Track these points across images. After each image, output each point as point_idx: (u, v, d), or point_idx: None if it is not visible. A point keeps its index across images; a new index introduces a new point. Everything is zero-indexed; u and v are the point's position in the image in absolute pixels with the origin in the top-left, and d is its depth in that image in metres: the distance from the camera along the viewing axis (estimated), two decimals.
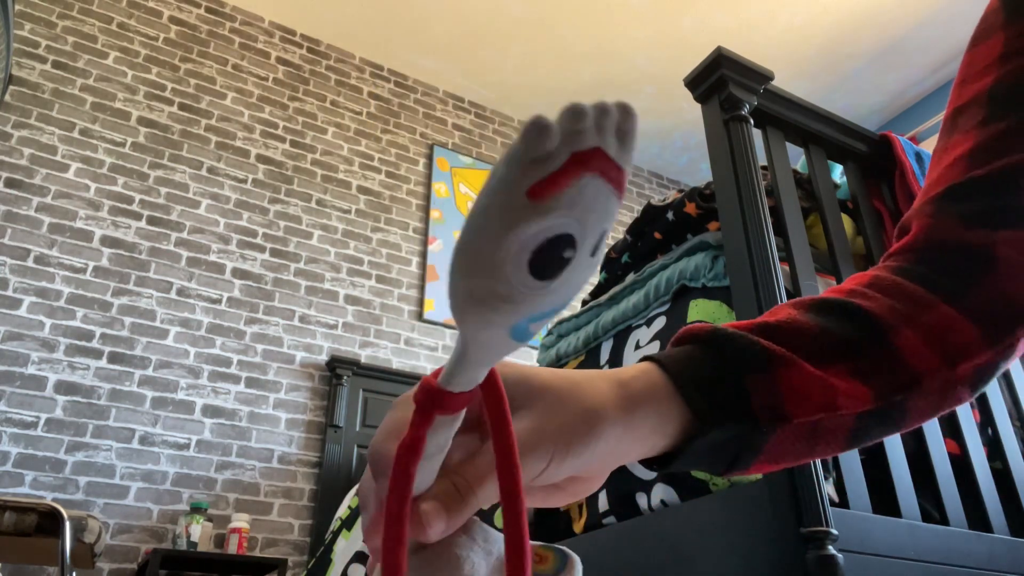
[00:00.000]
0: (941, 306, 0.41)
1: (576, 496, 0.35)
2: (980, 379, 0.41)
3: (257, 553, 2.85)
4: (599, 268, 1.68)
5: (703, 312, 1.19)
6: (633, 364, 0.37)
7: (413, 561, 0.28)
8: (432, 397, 0.26)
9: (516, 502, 0.25)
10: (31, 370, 2.69)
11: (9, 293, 2.75)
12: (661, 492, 1.13)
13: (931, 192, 0.46)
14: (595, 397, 0.33)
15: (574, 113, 0.19)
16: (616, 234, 4.69)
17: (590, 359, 1.50)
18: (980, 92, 0.48)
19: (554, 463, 0.30)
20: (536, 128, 0.19)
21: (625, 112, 0.20)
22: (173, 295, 3.07)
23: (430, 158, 4.11)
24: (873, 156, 1.43)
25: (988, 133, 0.46)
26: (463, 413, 0.27)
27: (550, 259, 0.20)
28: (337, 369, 3.23)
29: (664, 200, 1.42)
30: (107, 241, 3.02)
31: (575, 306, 4.21)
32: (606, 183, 0.20)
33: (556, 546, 0.33)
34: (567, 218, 0.20)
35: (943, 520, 1.04)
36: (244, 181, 3.45)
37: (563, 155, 0.19)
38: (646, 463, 0.38)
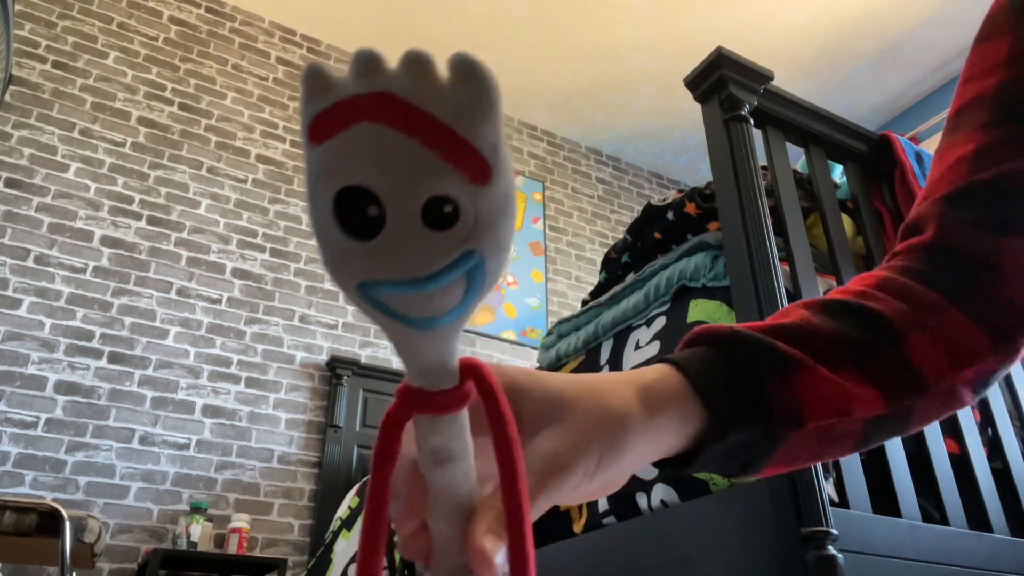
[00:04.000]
0: (950, 310, 0.41)
1: (596, 497, 0.35)
2: (983, 383, 0.42)
3: (257, 553, 2.85)
4: (601, 267, 1.67)
5: (703, 312, 1.19)
6: (650, 366, 0.37)
7: None
8: (404, 393, 0.25)
9: (520, 517, 0.25)
10: (31, 370, 2.69)
11: (9, 293, 2.75)
12: (661, 492, 1.13)
13: (935, 193, 0.46)
14: (621, 404, 0.32)
15: (358, 56, 0.18)
16: (616, 234, 4.69)
17: (590, 359, 1.50)
18: (984, 93, 0.48)
19: (588, 476, 0.30)
20: (311, 69, 0.18)
21: (464, 66, 0.18)
22: (173, 295, 3.07)
23: None
24: (873, 156, 1.43)
25: (992, 137, 0.45)
26: (460, 417, 0.26)
27: (355, 214, 0.19)
28: (337, 369, 3.23)
29: (664, 200, 1.42)
30: (107, 241, 3.02)
31: (575, 306, 4.21)
32: (401, 133, 0.18)
33: None
34: (354, 167, 0.19)
35: (943, 520, 1.04)
36: (244, 181, 3.45)
37: (336, 97, 0.18)
38: (658, 463, 0.38)
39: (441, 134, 0.19)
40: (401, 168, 0.19)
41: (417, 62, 0.18)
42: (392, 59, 0.19)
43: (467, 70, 0.19)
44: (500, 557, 0.25)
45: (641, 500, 1.18)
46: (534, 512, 0.28)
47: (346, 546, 2.42)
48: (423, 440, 0.26)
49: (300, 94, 0.19)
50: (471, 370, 0.25)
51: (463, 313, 0.22)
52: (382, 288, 0.20)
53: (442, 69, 0.19)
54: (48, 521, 1.55)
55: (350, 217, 0.19)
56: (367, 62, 0.18)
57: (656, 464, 0.37)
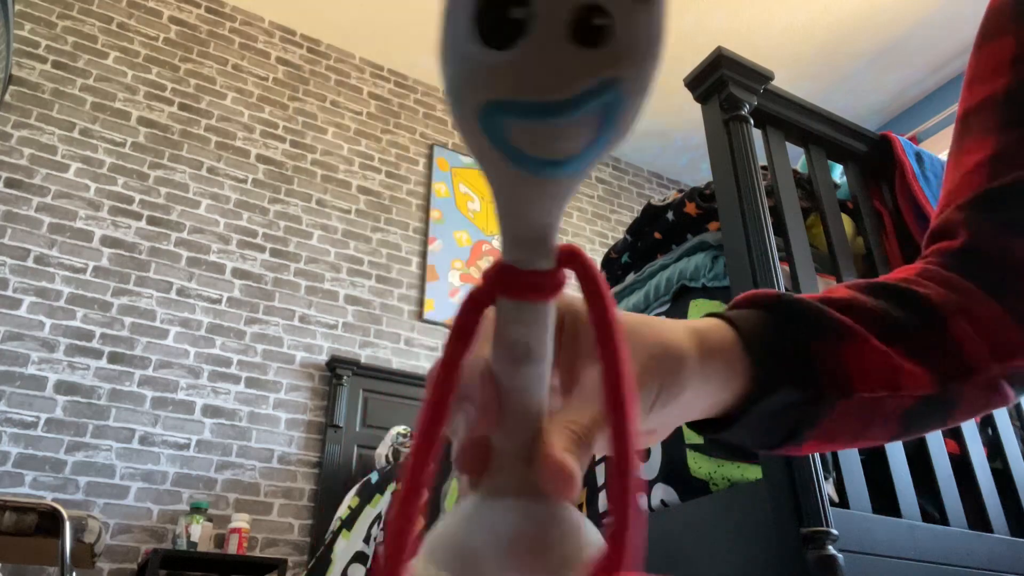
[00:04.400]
0: (991, 302, 0.41)
1: (648, 442, 0.33)
2: (1020, 381, 0.42)
3: (257, 553, 2.85)
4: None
5: (703, 312, 1.19)
6: (701, 319, 0.36)
7: (527, 507, 0.24)
8: (491, 273, 0.22)
9: (627, 450, 0.21)
10: (31, 370, 2.69)
11: (9, 293, 2.75)
12: (661, 492, 1.13)
13: (958, 199, 0.47)
14: (678, 341, 0.31)
15: None
16: (616, 234, 4.69)
17: None
18: (993, 95, 0.48)
19: (647, 407, 0.29)
20: None
21: None
22: (173, 295, 3.07)
23: (430, 158, 4.11)
24: (873, 156, 1.43)
25: (1007, 140, 0.46)
26: (548, 308, 0.23)
27: (496, 19, 0.17)
28: (337, 369, 3.23)
29: (664, 200, 1.42)
30: (107, 241, 3.02)
31: None
32: None
33: None
34: None
35: (943, 520, 1.04)
36: (244, 181, 3.45)
37: None
38: (698, 427, 0.36)
39: None
40: None
41: None
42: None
43: None
44: (579, 479, 0.23)
45: (641, 500, 1.18)
46: (598, 441, 0.25)
47: (346, 546, 2.42)
48: (504, 331, 0.23)
49: None
50: (569, 255, 0.23)
51: (585, 164, 0.19)
52: (510, 113, 0.18)
53: None
54: (48, 521, 1.55)
55: (490, 24, 0.17)
56: None
57: (697, 428, 0.36)
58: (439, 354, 0.24)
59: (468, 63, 0.18)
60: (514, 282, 0.22)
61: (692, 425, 0.36)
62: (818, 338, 0.36)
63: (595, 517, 1.29)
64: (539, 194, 0.20)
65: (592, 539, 0.24)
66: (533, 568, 0.22)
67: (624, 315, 0.31)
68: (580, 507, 1.35)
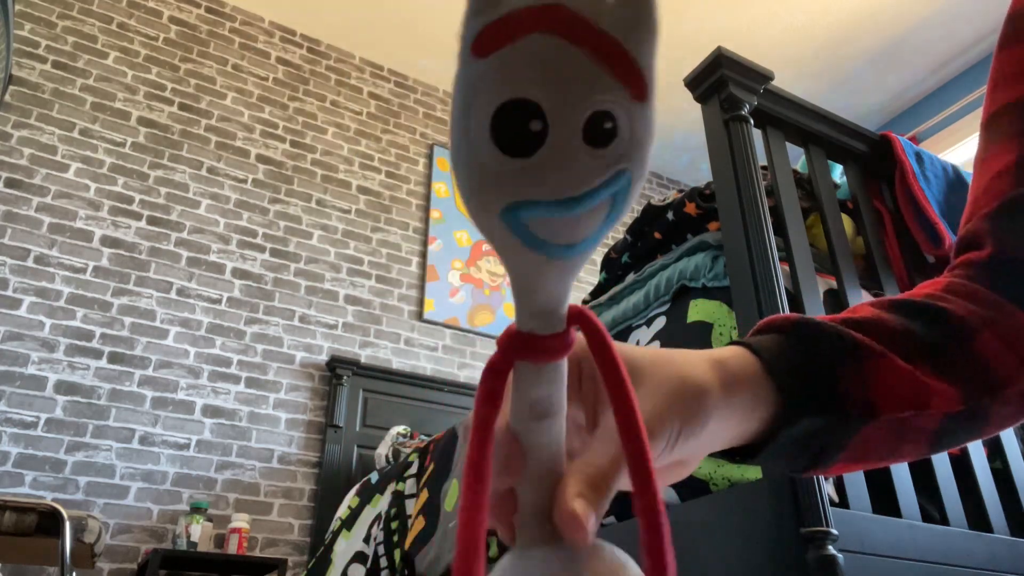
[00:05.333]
0: (1018, 313, 0.41)
1: (671, 480, 0.33)
2: None
3: (257, 553, 2.85)
4: (600, 266, 1.67)
5: (703, 312, 1.19)
6: (723, 347, 0.36)
7: (558, 555, 0.25)
8: (510, 338, 0.24)
9: (649, 486, 0.23)
10: (31, 370, 2.69)
11: (9, 293, 2.75)
12: (661, 492, 1.13)
13: (983, 208, 0.46)
14: (699, 375, 0.31)
15: None
16: (616, 234, 4.69)
17: None
18: (1016, 100, 0.47)
19: (670, 445, 0.29)
20: None
21: None
22: (173, 295, 3.07)
23: (430, 158, 4.11)
24: (873, 156, 1.43)
25: None
26: (563, 366, 0.25)
27: (514, 130, 0.19)
28: (337, 369, 3.23)
29: (664, 200, 1.42)
30: (107, 241, 3.02)
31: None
32: (573, 46, 0.18)
33: None
34: (521, 80, 0.18)
35: (943, 520, 1.04)
36: (244, 181, 3.45)
37: (507, 8, 0.18)
38: (727, 455, 0.37)
39: (610, 47, 0.19)
40: (570, 80, 0.19)
41: None
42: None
43: None
44: (592, 523, 0.24)
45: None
46: (619, 481, 0.26)
47: (346, 546, 2.42)
48: (523, 391, 0.25)
49: (466, 7, 0.18)
50: (578, 315, 0.24)
51: (595, 242, 0.22)
52: (531, 210, 0.20)
53: None
54: (48, 521, 1.55)
55: (507, 134, 0.19)
56: None
57: (723, 455, 0.36)
58: (470, 421, 0.25)
59: (488, 170, 0.19)
60: (532, 348, 0.24)
61: (718, 454, 0.36)
62: (841, 362, 0.36)
63: None
64: (555, 273, 0.22)
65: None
66: None
67: (645, 352, 0.31)
68: None
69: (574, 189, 0.20)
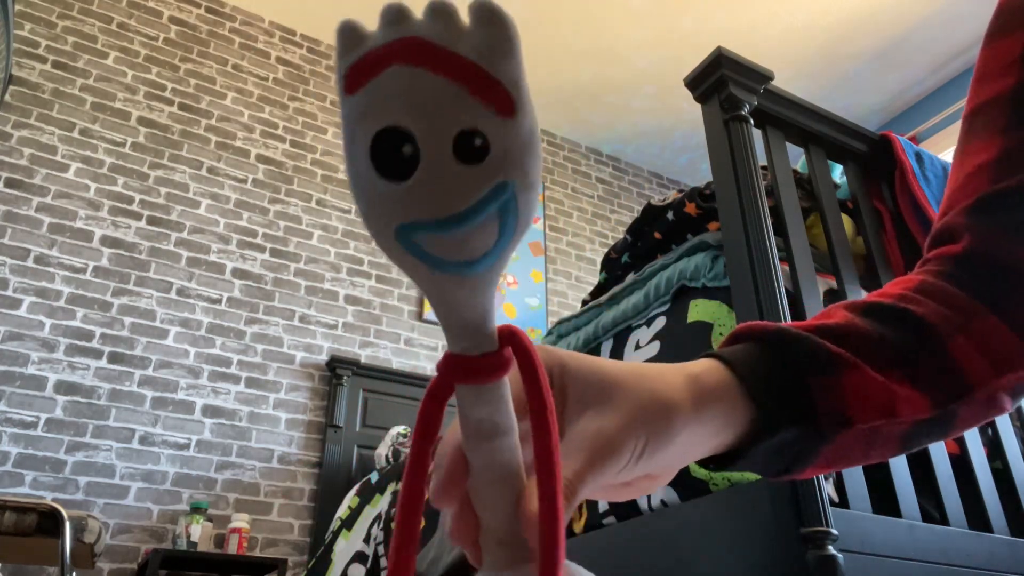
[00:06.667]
0: (988, 315, 0.41)
1: (643, 493, 0.34)
2: (1020, 392, 0.41)
3: (257, 553, 2.85)
4: (600, 267, 1.67)
5: (703, 312, 1.19)
6: (696, 360, 0.36)
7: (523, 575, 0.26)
8: (446, 361, 0.25)
9: (553, 494, 0.24)
10: (31, 370, 2.69)
11: (9, 293, 2.75)
12: (661, 492, 1.13)
13: (960, 202, 0.46)
14: (669, 391, 0.32)
15: (386, 9, 0.20)
16: (616, 234, 4.69)
17: None
18: (1000, 94, 0.47)
19: (635, 459, 0.30)
20: (344, 25, 0.20)
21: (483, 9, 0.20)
22: (173, 295, 3.07)
23: None
24: (873, 156, 1.43)
25: (1013, 141, 0.45)
26: (502, 386, 0.25)
27: (390, 156, 0.20)
28: (337, 369, 3.23)
29: (664, 200, 1.42)
30: (107, 241, 3.02)
31: (575, 306, 4.21)
32: (431, 73, 0.20)
33: None
34: (389, 110, 0.20)
35: (943, 520, 1.04)
36: (244, 181, 3.45)
37: (366, 48, 0.20)
38: (703, 463, 0.37)
39: (467, 71, 0.20)
40: (432, 104, 0.20)
41: (441, 10, 0.20)
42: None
43: (487, 13, 0.20)
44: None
45: (641, 500, 1.18)
46: (583, 492, 0.27)
47: (346, 546, 2.42)
48: (467, 413, 0.25)
49: (335, 50, 0.20)
50: (509, 335, 0.25)
51: (498, 258, 0.22)
52: (419, 230, 0.21)
53: (464, 17, 0.20)
54: (48, 521, 1.55)
55: (386, 161, 0.20)
56: (395, 13, 0.20)
57: (701, 464, 0.37)
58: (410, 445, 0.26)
59: (374, 195, 0.21)
60: (466, 369, 0.24)
61: (699, 462, 0.37)
62: (814, 372, 0.37)
63: (595, 518, 1.29)
64: (465, 290, 0.23)
65: None
66: None
67: (621, 367, 0.32)
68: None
69: (454, 207, 0.20)
